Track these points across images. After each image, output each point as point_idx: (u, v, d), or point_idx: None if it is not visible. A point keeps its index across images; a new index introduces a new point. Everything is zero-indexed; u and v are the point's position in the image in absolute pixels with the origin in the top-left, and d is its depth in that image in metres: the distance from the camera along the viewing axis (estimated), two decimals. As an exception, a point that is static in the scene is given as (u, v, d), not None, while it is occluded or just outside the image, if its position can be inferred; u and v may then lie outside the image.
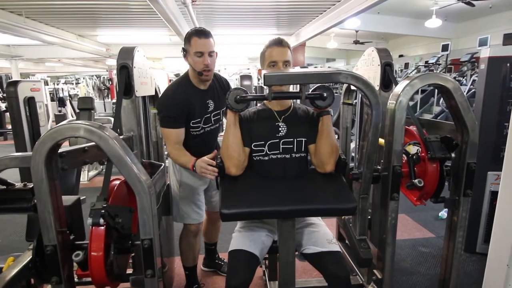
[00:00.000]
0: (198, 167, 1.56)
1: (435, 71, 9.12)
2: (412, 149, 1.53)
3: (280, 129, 1.50)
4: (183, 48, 1.77)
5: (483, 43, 7.42)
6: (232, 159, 1.42)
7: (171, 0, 4.20)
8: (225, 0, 4.91)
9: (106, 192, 1.16)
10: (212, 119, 1.89)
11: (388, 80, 1.80)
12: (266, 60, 1.49)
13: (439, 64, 9.63)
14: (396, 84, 1.53)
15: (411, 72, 10.71)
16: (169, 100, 1.75)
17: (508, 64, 2.30)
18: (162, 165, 1.57)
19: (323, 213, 1.44)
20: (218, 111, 1.92)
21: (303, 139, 1.50)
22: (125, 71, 1.50)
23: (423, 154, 1.47)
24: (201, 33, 1.71)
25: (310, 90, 1.46)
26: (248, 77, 5.30)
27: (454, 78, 6.27)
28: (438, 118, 6.35)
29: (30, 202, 1.24)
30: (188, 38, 1.73)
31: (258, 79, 9.33)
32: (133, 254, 1.35)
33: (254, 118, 1.53)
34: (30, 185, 1.26)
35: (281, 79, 1.29)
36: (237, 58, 12.11)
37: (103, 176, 1.20)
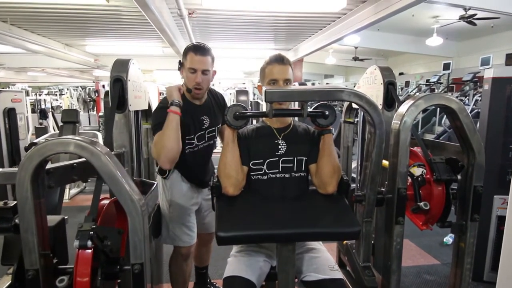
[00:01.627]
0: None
1: (436, 90, 9.31)
2: (417, 171, 1.55)
3: (279, 147, 1.50)
4: (179, 61, 1.81)
5: (485, 62, 7.62)
6: (230, 178, 1.42)
7: (166, 11, 4.27)
8: (221, 13, 5.00)
9: (95, 212, 1.15)
10: (206, 136, 1.90)
11: (391, 99, 1.84)
12: (267, 77, 1.51)
13: (441, 83, 9.85)
14: (400, 103, 1.57)
15: (412, 91, 10.91)
16: (162, 110, 1.74)
17: (512, 85, 2.36)
18: (154, 183, 1.57)
19: (326, 237, 1.44)
20: (213, 128, 1.93)
21: (304, 158, 1.50)
22: (119, 84, 1.51)
23: (428, 176, 1.48)
24: (198, 50, 1.74)
25: (312, 108, 1.48)
26: (245, 92, 5.37)
27: (456, 97, 6.40)
28: (441, 138, 6.44)
29: (11, 222, 1.21)
30: (185, 52, 1.77)
31: (254, 94, 9.43)
32: (119, 280, 1.33)
33: (252, 135, 1.54)
34: (11, 204, 1.24)
35: (282, 96, 1.31)
36: (232, 72, 12.25)
37: (86, 194, 1.19)
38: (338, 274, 1.41)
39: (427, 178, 1.48)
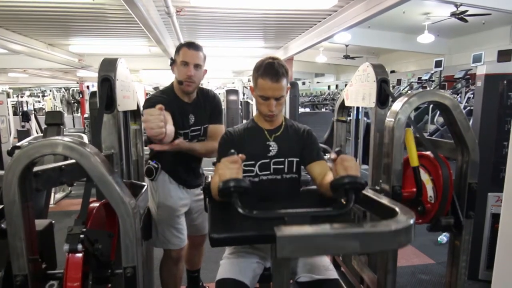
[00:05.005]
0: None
1: (428, 88, 9.45)
2: (428, 189, 1.50)
3: (270, 148, 1.51)
4: (171, 58, 1.87)
5: (477, 59, 7.77)
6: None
7: (153, 8, 4.25)
8: (210, 11, 4.99)
9: (84, 215, 1.15)
10: (190, 134, 1.91)
11: (384, 96, 1.86)
12: (258, 89, 1.45)
13: (433, 81, 9.99)
14: (394, 99, 1.59)
15: (403, 89, 11.05)
16: (151, 100, 1.83)
17: (505, 82, 2.41)
18: (145, 185, 1.56)
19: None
20: (198, 127, 1.94)
21: (295, 159, 1.52)
22: (107, 83, 1.50)
23: (429, 206, 1.49)
24: (192, 45, 1.83)
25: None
26: (235, 92, 5.36)
27: (449, 95, 6.48)
28: (433, 137, 6.54)
29: (-3, 226, 1.20)
30: (178, 49, 1.85)
31: (244, 94, 9.44)
32: (110, 285, 1.33)
33: (244, 136, 1.54)
34: (-4, 208, 1.23)
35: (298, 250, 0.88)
36: (222, 71, 12.24)
37: (72, 199, 1.19)
38: (333, 274, 1.42)
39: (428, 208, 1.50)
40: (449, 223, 1.50)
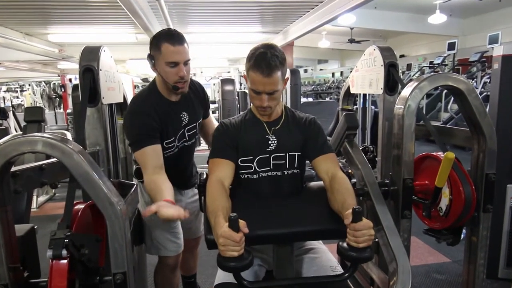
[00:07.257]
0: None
1: (441, 73, 9.43)
2: (442, 202, 1.50)
3: (270, 142, 1.49)
4: (149, 54, 1.70)
5: (493, 40, 7.74)
6: None
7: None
8: (201, -7, 4.99)
9: (68, 218, 1.14)
10: (187, 134, 1.88)
11: (393, 82, 1.85)
12: (250, 82, 1.42)
13: (446, 65, 9.97)
14: (403, 86, 1.59)
15: (414, 75, 11.04)
16: (137, 116, 1.68)
17: (524, 63, 2.40)
18: (134, 185, 1.56)
19: (325, 236, 1.45)
20: (194, 124, 1.91)
21: (296, 154, 1.51)
22: (89, 74, 1.49)
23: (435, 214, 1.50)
24: (174, 39, 1.64)
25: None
26: (230, 81, 5.30)
27: (463, 80, 6.47)
28: (447, 125, 6.54)
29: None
30: (156, 44, 1.65)
31: (240, 84, 9.41)
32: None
33: (241, 128, 1.52)
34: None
35: None
36: (216, 59, 12.19)
37: (56, 202, 1.19)
38: (341, 276, 1.42)
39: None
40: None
